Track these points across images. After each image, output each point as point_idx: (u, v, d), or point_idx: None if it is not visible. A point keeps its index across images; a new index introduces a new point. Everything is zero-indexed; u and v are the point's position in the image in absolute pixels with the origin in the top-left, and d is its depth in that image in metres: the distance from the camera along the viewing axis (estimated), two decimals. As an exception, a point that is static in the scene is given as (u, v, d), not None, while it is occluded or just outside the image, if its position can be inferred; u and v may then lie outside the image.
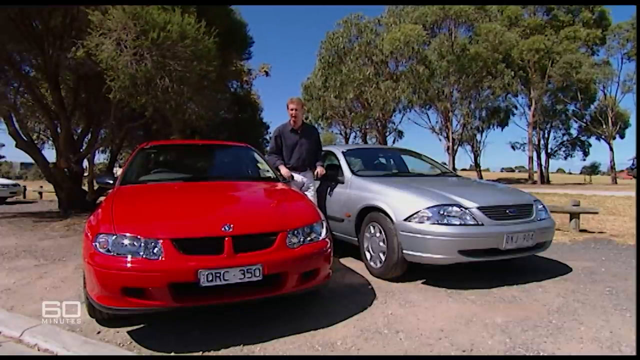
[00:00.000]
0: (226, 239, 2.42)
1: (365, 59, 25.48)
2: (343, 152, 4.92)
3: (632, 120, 30.64)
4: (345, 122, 31.26)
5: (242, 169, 4.48)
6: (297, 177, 4.75)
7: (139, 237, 2.37)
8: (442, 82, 26.57)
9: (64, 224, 7.35)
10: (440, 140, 30.04)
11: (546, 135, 35.27)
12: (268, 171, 4.27)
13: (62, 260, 4.57)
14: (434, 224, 3.38)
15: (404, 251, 3.52)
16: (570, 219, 6.71)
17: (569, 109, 32.78)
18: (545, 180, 33.49)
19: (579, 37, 28.56)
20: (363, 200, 4.06)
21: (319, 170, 4.73)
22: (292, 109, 4.72)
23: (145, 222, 2.51)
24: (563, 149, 36.08)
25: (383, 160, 5.69)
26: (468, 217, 3.42)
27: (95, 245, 2.38)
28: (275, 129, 4.94)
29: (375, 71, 25.28)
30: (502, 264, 4.14)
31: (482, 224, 3.42)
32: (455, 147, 28.99)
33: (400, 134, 33.56)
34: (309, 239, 2.75)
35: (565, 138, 35.57)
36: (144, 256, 2.32)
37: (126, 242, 2.36)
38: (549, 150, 35.78)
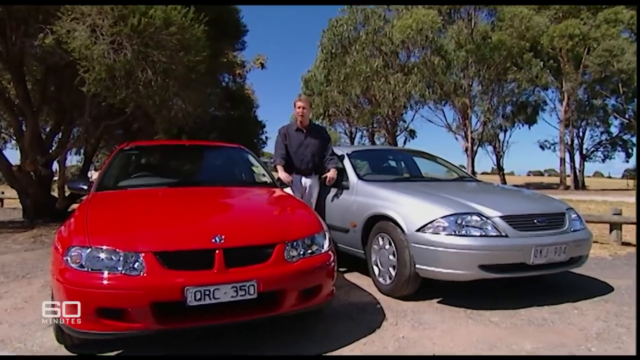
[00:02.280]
0: (217, 251, 2.42)
1: (373, 49, 25.56)
2: (348, 154, 4.92)
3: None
4: (350, 121, 31.33)
5: (234, 173, 4.48)
6: (301, 181, 4.77)
7: (117, 250, 2.36)
8: (459, 74, 26.62)
9: (30, 235, 7.29)
10: (457, 140, 30.07)
11: (581, 134, 34.94)
12: (264, 175, 4.28)
13: (26, 277, 4.54)
14: (450, 235, 3.38)
15: (417, 266, 3.52)
16: (611, 230, 6.64)
17: (608, 104, 32.06)
18: (580, 185, 33.19)
19: (621, 20, 26.81)
20: (370, 208, 4.06)
21: (330, 174, 4.72)
22: (299, 107, 4.78)
23: (124, 233, 2.51)
24: (601, 149, 35.51)
25: (393, 163, 5.69)
26: (490, 228, 3.41)
27: (67, 259, 2.36)
28: (281, 127, 4.99)
29: (384, 63, 25.34)
30: (531, 281, 4.12)
31: (506, 235, 3.41)
32: (474, 148, 28.98)
33: (412, 133, 33.64)
34: (310, 251, 2.74)
35: (603, 137, 35.10)
36: (123, 272, 2.31)
37: (102, 255, 2.36)
38: (585, 151, 35.33)
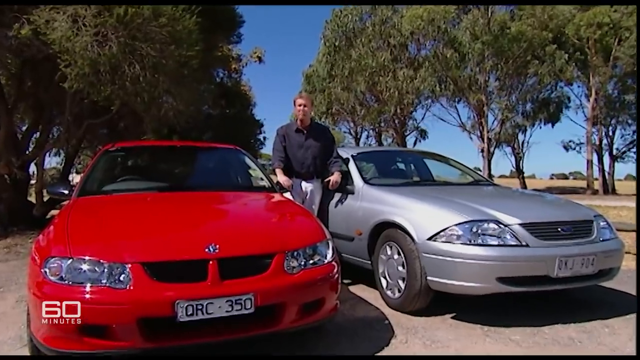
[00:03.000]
0: (210, 262, 2.42)
1: (380, 41, 25.60)
2: (353, 156, 4.93)
3: None
4: (355, 119, 31.37)
5: (230, 176, 4.49)
6: (302, 185, 4.79)
7: (101, 260, 2.36)
8: (475, 68, 26.58)
9: (3, 245, 7.24)
10: (472, 140, 30.03)
11: (610, 133, 34.35)
12: (262, 179, 4.28)
13: (-2, 292, 4.52)
14: (465, 244, 3.37)
15: (429, 278, 3.51)
16: (646, 240, 6.58)
17: (641, 100, 31.71)
18: (609, 189, 32.79)
19: (657, 5, 26.93)
20: (377, 215, 4.06)
21: (334, 178, 4.73)
22: (300, 105, 4.78)
23: (109, 242, 2.51)
24: (633, 149, 35.01)
25: (402, 166, 5.70)
26: (508, 236, 3.41)
27: (45, 271, 2.36)
28: (280, 127, 5.00)
29: (392, 56, 25.37)
30: (555, 296, 4.08)
31: (527, 245, 3.40)
32: (491, 149, 28.89)
33: (423, 133, 33.61)
34: (311, 262, 2.75)
35: (636, 136, 34.76)
36: (107, 285, 2.31)
37: (85, 267, 2.35)
38: (615, 152, 34.78)
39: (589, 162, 31.19)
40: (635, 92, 29.07)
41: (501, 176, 52.12)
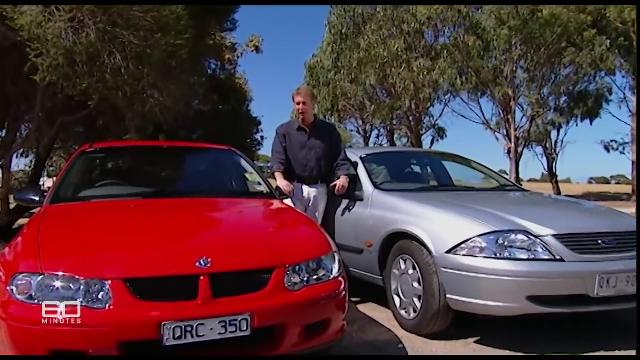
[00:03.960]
0: (201, 278, 2.41)
1: (393, 28, 25.61)
2: (362, 158, 4.93)
3: None
4: (365, 117, 31.37)
5: (223, 181, 4.50)
6: (305, 191, 4.79)
7: (77, 277, 2.35)
8: (500, 58, 26.48)
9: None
10: (497, 140, 29.92)
11: (661, 130, 34.28)
12: (259, 184, 4.28)
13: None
14: (490, 257, 3.35)
15: (448, 296, 3.49)
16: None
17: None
18: (660, 195, 32.51)
19: None
20: (390, 224, 4.05)
21: (340, 183, 4.72)
22: (299, 103, 4.76)
23: (86, 255, 2.50)
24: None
25: (417, 169, 5.70)
26: (540, 249, 3.38)
27: (11, 289, 2.34)
28: (280, 126, 5.01)
29: (406, 45, 25.36)
30: (596, 318, 4.03)
31: (562, 259, 3.36)
32: (519, 150, 28.77)
33: (441, 132, 33.51)
34: (315, 277, 2.74)
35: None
36: (84, 304, 2.30)
37: (58, 284, 2.34)
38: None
39: (635, 165, 30.78)
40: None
41: (531, 180, 51.83)
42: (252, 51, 21.05)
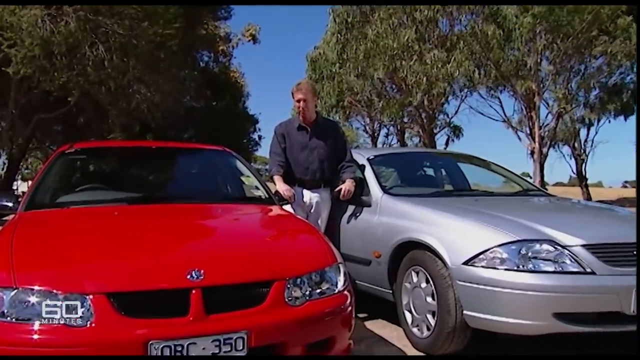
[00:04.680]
0: (193, 292, 2.40)
1: (404, 16, 25.65)
2: (369, 160, 4.94)
3: None
4: (372, 114, 31.36)
5: (217, 184, 4.51)
6: (307, 196, 4.79)
7: (54, 291, 2.33)
8: (523, 48, 26.42)
9: None
10: (519, 139, 29.88)
11: None
12: (257, 188, 4.28)
13: None
14: (512, 270, 3.33)
15: (465, 312, 3.48)
16: None
17: None
18: None
19: None
20: (400, 233, 4.05)
21: (345, 187, 4.71)
22: (299, 100, 4.76)
23: (65, 267, 2.49)
24: None
25: (430, 172, 5.71)
26: (568, 261, 3.36)
27: (-20, 306, 2.34)
28: (278, 124, 5.00)
29: (418, 35, 25.37)
30: (633, 337, 4.00)
31: (592, 272, 3.34)
32: (544, 150, 28.71)
33: (456, 130, 33.48)
34: (318, 291, 2.74)
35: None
36: (62, 322, 2.29)
37: (34, 299, 2.32)
38: None
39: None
40: None
41: (557, 184, 51.71)
42: (249, 41, 21.12)
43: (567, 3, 25.30)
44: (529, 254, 3.36)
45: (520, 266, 3.33)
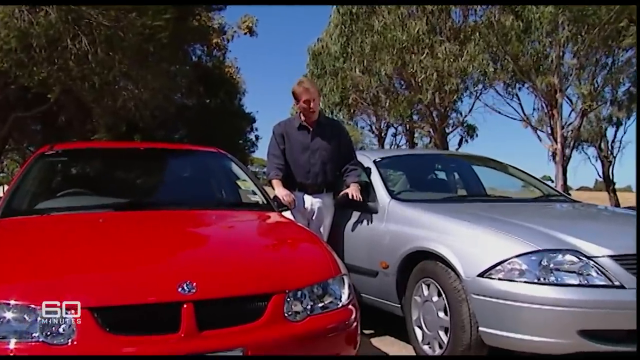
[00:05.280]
0: (184, 306, 2.39)
1: (413, 6, 25.68)
2: (376, 162, 4.95)
3: None
4: (379, 112, 31.36)
5: (211, 189, 4.52)
6: (308, 201, 4.79)
7: (32, 305, 2.32)
8: (544, 40, 26.38)
9: None
10: (540, 140, 29.83)
11: None
12: (254, 193, 4.28)
13: None
14: (532, 282, 3.32)
15: (481, 329, 3.47)
16: None
17: None
18: None
19: None
20: (410, 242, 4.05)
21: (350, 192, 4.71)
22: (305, 101, 4.75)
23: (44, 279, 2.49)
24: None
25: (442, 175, 5.72)
26: (594, 273, 3.34)
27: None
28: (277, 124, 5.01)
29: (429, 27, 25.41)
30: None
31: (621, 286, 3.32)
32: (567, 152, 28.67)
33: (470, 130, 33.47)
34: (321, 305, 2.73)
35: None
36: (41, 339, 2.28)
37: (9, 315, 2.31)
38: None
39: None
40: None
41: (582, 188, 51.62)
42: (245, 34, 21.15)
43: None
44: (551, 265, 3.36)
45: (541, 279, 3.32)
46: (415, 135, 33.02)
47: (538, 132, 29.57)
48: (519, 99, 29.83)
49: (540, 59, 26.37)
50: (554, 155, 27.69)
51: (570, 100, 28.25)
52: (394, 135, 35.04)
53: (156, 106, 9.20)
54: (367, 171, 4.88)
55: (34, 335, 2.28)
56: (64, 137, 10.70)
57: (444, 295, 3.69)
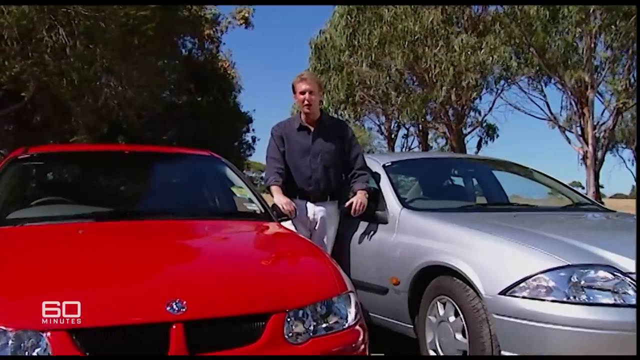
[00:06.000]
0: (173, 327, 2.39)
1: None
2: (385, 167, 4.95)
3: None
4: (388, 111, 31.39)
5: (203, 197, 4.53)
6: (310, 210, 4.80)
7: (3, 328, 2.32)
8: (573, 31, 26.35)
9: None
10: (569, 141, 29.80)
11: None
12: (251, 201, 4.29)
13: None
14: (560, 301, 3.31)
15: (503, 352, 3.46)
16: None
17: None
18: None
19: None
20: (423, 255, 4.04)
21: (357, 200, 4.70)
22: (303, 92, 4.75)
23: (17, 298, 2.50)
24: None
25: (459, 181, 5.72)
26: (630, 291, 3.32)
27: None
28: (276, 125, 5.01)
29: (445, 16, 25.46)
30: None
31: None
32: (600, 155, 28.62)
33: (491, 131, 33.48)
34: (324, 326, 2.73)
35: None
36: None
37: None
38: None
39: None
40: None
41: (616, 196, 51.56)
42: (241, 25, 21.18)
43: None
44: (582, 282, 3.34)
45: (571, 297, 3.30)
46: (429, 136, 33.03)
47: (566, 132, 29.52)
48: (545, 96, 29.80)
49: (569, 51, 26.32)
50: (584, 158, 27.58)
51: (603, 97, 28.16)
52: (405, 136, 35.07)
53: (142, 105, 9.22)
54: (376, 177, 4.87)
55: (3, 360, 2.27)
56: (39, 139, 10.72)
57: (461, 315, 3.67)
